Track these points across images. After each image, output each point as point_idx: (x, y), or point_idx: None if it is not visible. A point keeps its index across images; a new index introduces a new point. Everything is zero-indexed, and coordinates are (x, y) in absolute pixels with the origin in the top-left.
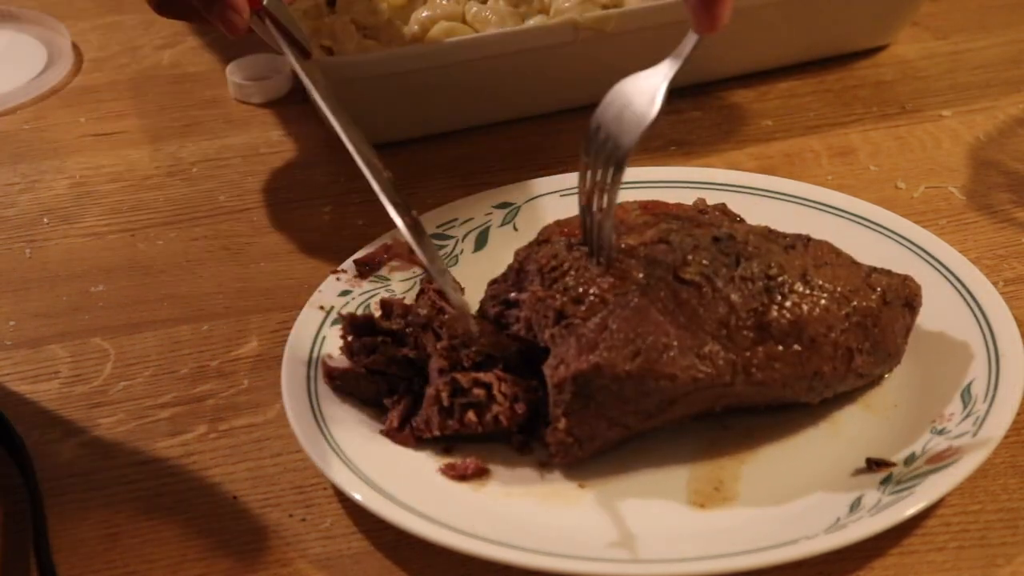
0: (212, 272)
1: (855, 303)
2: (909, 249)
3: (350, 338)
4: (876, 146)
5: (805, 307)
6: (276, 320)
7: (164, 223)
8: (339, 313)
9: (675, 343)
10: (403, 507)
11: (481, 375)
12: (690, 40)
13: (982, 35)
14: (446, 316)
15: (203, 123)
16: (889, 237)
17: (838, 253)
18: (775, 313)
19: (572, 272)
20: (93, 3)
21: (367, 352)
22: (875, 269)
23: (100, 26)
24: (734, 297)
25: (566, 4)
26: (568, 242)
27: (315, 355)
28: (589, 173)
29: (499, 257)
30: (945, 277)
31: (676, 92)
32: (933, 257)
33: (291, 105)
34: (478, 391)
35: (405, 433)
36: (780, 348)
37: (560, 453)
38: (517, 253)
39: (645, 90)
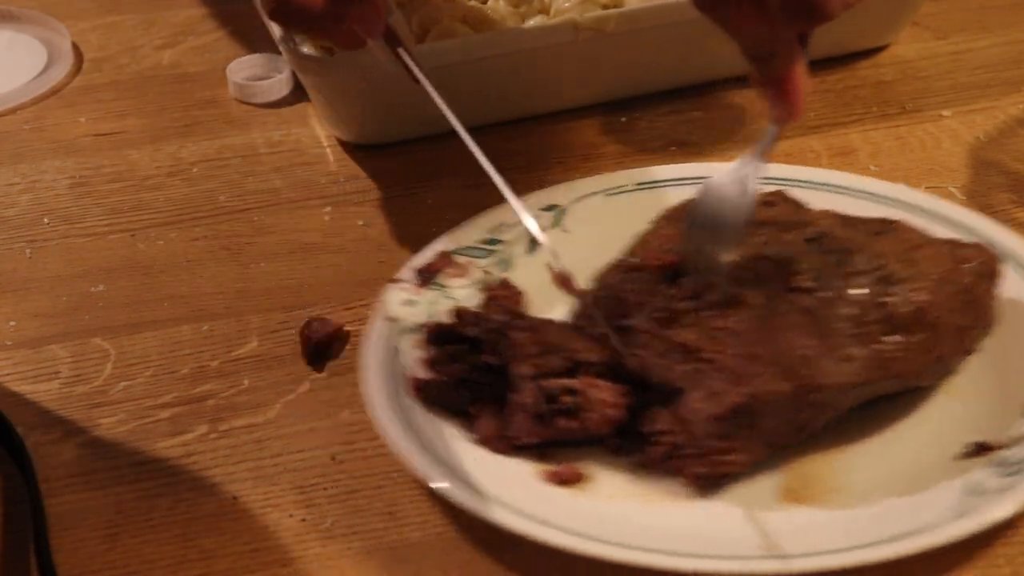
0: (212, 272)
1: (956, 280)
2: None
3: (433, 348)
4: (876, 146)
5: (920, 293)
6: (276, 320)
7: (164, 223)
8: (422, 324)
9: (816, 353)
10: (530, 518)
11: (572, 381)
12: (771, 130)
13: (982, 35)
14: (529, 321)
15: (203, 123)
16: (944, 223)
17: (920, 232)
18: (897, 303)
19: (686, 314)
20: (93, 3)
21: (452, 361)
22: (951, 242)
23: (100, 26)
24: (854, 294)
25: (566, 4)
26: (667, 276)
27: (396, 368)
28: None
29: None
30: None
31: (676, 92)
32: (992, 240)
33: (291, 105)
34: (569, 398)
35: (502, 441)
36: (909, 338)
37: (714, 482)
38: (605, 278)
39: (737, 184)
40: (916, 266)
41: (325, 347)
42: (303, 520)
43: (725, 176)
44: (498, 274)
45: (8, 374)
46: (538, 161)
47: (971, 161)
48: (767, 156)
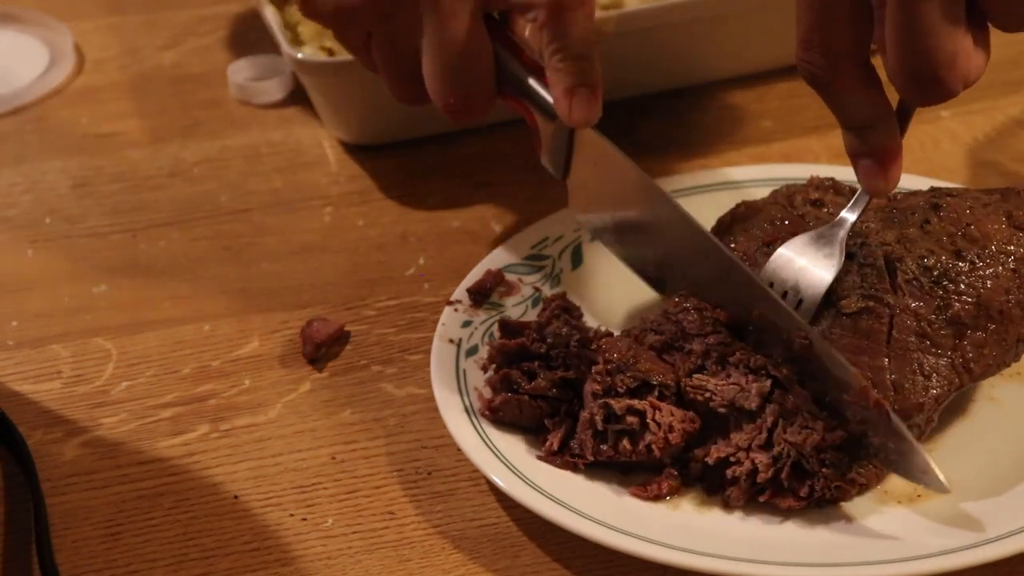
0: (213, 272)
1: (1014, 256)
2: None
3: (503, 367)
4: None
5: (978, 285)
6: (278, 320)
7: (166, 223)
8: (488, 343)
9: (899, 375)
10: (632, 536)
11: (635, 402)
12: (862, 199)
13: None
14: (603, 340)
15: (204, 124)
16: None
17: (966, 200)
18: (957, 304)
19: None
20: (95, 4)
21: (529, 378)
22: (1007, 197)
23: (102, 27)
24: (913, 305)
25: None
26: (716, 323)
27: (463, 389)
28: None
29: (598, 272)
30: None
31: (676, 92)
32: None
33: (292, 106)
34: (631, 419)
35: (564, 457)
36: (980, 334)
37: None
38: (667, 310)
39: (821, 248)
40: (969, 252)
41: (326, 347)
42: (304, 519)
43: (808, 241)
44: (547, 291)
45: (10, 374)
46: (539, 161)
47: (969, 162)
48: (856, 222)
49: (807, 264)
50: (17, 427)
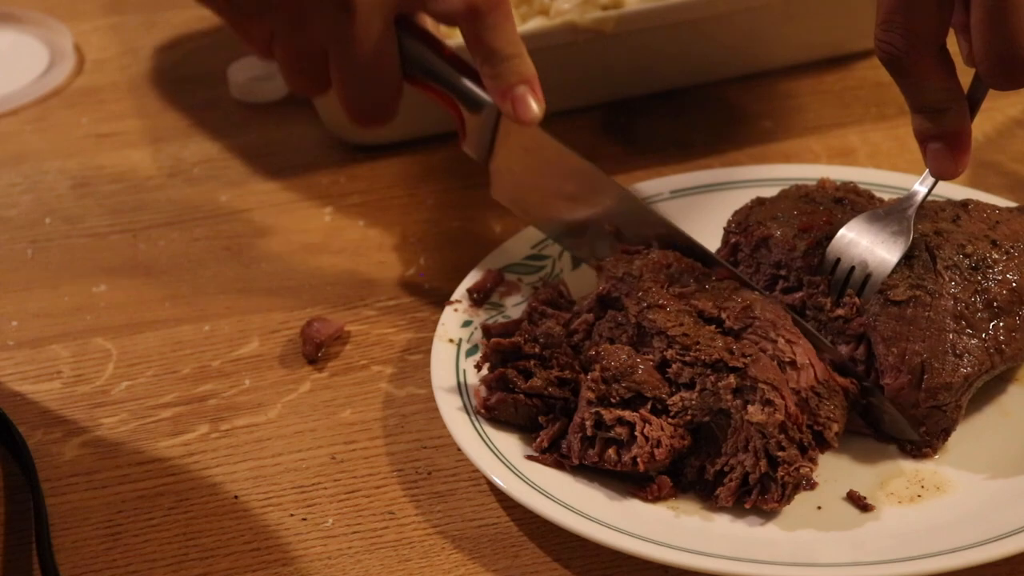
0: (213, 272)
1: None
2: None
3: (497, 367)
4: (875, 147)
5: (1013, 272)
6: (277, 320)
7: (165, 223)
8: (483, 343)
9: (930, 355)
10: (633, 536)
11: (626, 414)
12: (927, 182)
13: None
14: (602, 348)
15: (204, 124)
16: None
17: (994, 207)
18: (995, 288)
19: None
20: (95, 4)
21: (524, 377)
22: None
23: (102, 27)
24: (953, 290)
25: (566, 6)
26: (695, 314)
27: (463, 389)
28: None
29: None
30: None
31: (676, 92)
32: None
33: (292, 106)
34: (620, 429)
35: (552, 456)
36: (1013, 318)
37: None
38: (632, 309)
39: (888, 225)
40: (1002, 245)
41: (326, 347)
42: (304, 520)
43: (876, 220)
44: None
45: (10, 374)
46: None
47: (970, 162)
48: (922, 205)
49: (874, 242)
50: (17, 427)
